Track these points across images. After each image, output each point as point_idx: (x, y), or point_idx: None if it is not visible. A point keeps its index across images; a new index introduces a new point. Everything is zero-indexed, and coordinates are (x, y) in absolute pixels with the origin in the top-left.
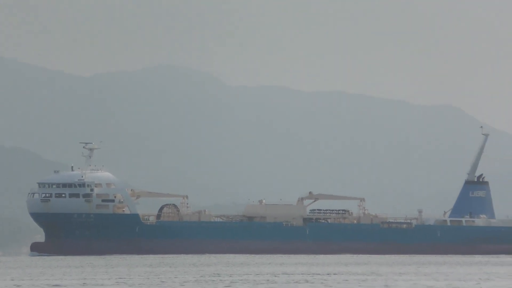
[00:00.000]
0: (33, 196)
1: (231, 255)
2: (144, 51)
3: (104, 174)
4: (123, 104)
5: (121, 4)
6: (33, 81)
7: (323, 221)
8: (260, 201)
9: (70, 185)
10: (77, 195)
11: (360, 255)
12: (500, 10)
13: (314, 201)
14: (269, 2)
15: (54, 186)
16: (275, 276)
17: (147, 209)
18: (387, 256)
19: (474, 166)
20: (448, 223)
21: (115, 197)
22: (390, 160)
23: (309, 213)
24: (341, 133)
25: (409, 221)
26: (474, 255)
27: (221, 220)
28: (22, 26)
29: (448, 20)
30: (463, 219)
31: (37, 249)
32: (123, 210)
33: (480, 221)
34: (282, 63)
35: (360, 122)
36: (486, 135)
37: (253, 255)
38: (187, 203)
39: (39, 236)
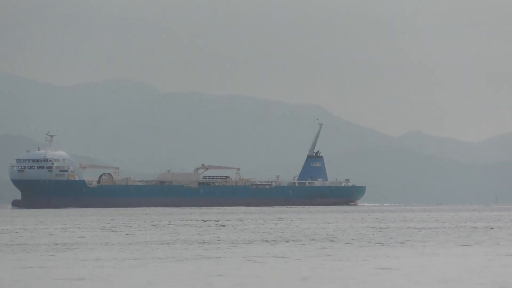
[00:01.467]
0: (13, 168)
1: (150, 208)
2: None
3: (61, 153)
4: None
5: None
6: (29, 91)
7: (212, 184)
8: (168, 171)
9: (37, 161)
10: (42, 167)
11: (237, 207)
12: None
13: (206, 170)
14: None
15: (27, 161)
16: (183, 221)
17: (91, 176)
18: (255, 207)
19: (313, 145)
20: (297, 184)
21: (68, 168)
22: (261, 140)
23: (202, 178)
24: (226, 124)
25: (270, 183)
26: (313, 206)
27: (141, 184)
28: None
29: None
30: (306, 182)
31: (16, 204)
32: (74, 177)
33: (318, 183)
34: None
35: (253, 120)
36: (321, 124)
37: (164, 208)
38: (118, 172)
39: (17, 195)
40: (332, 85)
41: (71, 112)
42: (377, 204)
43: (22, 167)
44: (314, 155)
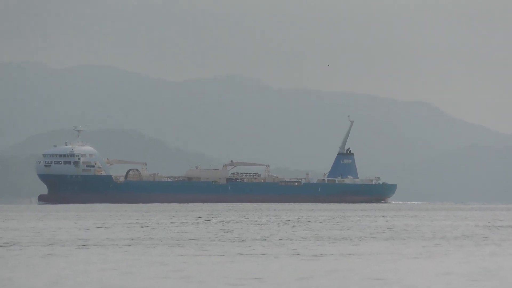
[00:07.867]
0: (40, 163)
1: (178, 204)
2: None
3: (88, 148)
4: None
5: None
6: (136, 86)
7: (240, 180)
8: (196, 167)
9: (64, 156)
10: (69, 162)
11: (265, 203)
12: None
13: (234, 166)
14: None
15: (53, 156)
16: (211, 217)
17: (118, 172)
18: (284, 204)
19: (344, 143)
20: (326, 182)
21: (95, 163)
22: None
23: (231, 175)
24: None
25: (299, 180)
26: (343, 203)
27: (169, 180)
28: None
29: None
30: (336, 179)
31: (43, 199)
32: (101, 173)
33: (348, 180)
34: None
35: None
36: (352, 122)
37: (191, 204)
38: (146, 168)
39: (43, 190)
40: (441, 82)
41: (179, 107)
42: (418, 202)
43: (49, 162)
44: (345, 152)
